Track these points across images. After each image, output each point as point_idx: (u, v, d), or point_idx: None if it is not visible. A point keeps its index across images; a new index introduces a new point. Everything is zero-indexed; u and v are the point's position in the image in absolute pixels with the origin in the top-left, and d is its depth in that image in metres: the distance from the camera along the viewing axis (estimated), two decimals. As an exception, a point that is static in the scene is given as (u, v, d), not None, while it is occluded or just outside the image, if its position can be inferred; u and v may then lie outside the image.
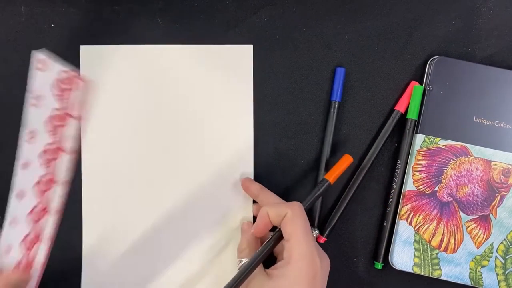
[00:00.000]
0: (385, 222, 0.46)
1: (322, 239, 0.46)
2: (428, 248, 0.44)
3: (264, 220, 0.41)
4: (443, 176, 0.45)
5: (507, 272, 0.44)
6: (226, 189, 0.47)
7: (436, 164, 0.45)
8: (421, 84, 0.46)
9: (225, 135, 0.47)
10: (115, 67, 0.47)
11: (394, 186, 0.46)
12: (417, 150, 0.45)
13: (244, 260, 0.42)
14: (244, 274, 0.39)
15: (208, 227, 0.47)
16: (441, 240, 0.44)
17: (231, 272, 0.42)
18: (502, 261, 0.44)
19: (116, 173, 0.47)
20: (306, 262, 0.38)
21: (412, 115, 0.46)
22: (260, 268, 0.40)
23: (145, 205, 0.47)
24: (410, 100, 0.46)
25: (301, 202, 0.40)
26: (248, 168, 0.46)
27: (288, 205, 0.40)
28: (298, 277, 0.38)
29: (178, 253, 0.47)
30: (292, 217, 0.39)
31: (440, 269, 0.44)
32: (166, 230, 0.47)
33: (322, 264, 0.39)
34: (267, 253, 0.40)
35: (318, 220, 0.46)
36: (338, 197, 0.47)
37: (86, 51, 0.47)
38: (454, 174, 0.45)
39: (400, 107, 0.46)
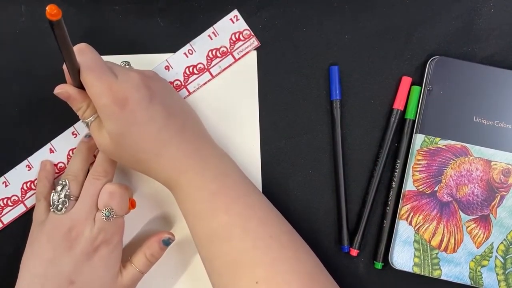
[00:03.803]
0: (385, 222, 0.46)
1: (355, 252, 0.46)
2: (428, 248, 0.45)
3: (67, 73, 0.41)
4: (443, 176, 0.45)
5: (507, 272, 0.44)
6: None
7: (436, 164, 0.45)
8: (420, 83, 0.46)
9: (232, 138, 0.47)
10: None
11: (393, 186, 0.46)
12: (417, 150, 0.45)
13: (89, 120, 0.41)
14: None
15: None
16: (441, 240, 0.45)
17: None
18: (502, 261, 0.44)
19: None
20: (104, 99, 0.38)
21: (410, 115, 0.46)
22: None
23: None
24: (408, 100, 0.46)
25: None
26: (256, 170, 0.47)
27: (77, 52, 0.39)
28: (109, 115, 0.39)
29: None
30: (80, 62, 0.39)
31: (440, 269, 0.44)
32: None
33: (131, 89, 0.39)
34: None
35: (347, 230, 0.46)
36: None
37: None
38: (454, 174, 0.45)
39: (398, 105, 0.46)
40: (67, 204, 0.42)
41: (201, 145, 0.42)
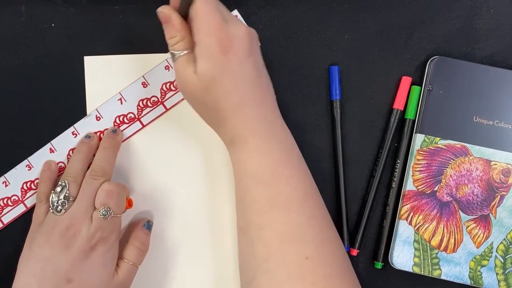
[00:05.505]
0: (385, 221, 0.46)
1: (355, 252, 0.46)
2: (428, 247, 0.45)
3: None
4: (443, 176, 0.45)
5: (506, 271, 0.44)
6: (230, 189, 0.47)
7: (436, 164, 0.45)
8: (420, 83, 0.46)
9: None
10: (120, 76, 0.47)
11: (393, 186, 0.46)
12: (417, 150, 0.45)
13: (179, 53, 0.40)
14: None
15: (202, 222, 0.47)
16: (441, 240, 0.45)
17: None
18: (502, 261, 0.44)
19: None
20: (213, 37, 0.38)
21: (410, 115, 0.46)
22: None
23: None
24: (408, 100, 0.46)
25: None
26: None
27: None
28: (211, 56, 0.38)
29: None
30: None
31: (440, 268, 0.44)
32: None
33: (237, 38, 0.39)
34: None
35: (347, 230, 0.46)
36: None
37: (90, 62, 0.47)
38: (454, 174, 0.45)
39: (398, 105, 0.46)
40: (66, 206, 0.42)
41: (275, 113, 0.42)
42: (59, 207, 0.42)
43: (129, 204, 0.44)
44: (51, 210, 0.42)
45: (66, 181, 0.43)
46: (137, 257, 0.44)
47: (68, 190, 0.42)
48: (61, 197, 0.42)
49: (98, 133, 0.46)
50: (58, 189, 0.42)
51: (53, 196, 0.42)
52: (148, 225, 0.45)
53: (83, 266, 0.41)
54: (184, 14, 0.40)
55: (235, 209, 0.42)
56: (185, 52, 0.40)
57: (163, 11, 0.40)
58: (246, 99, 0.39)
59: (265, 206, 0.39)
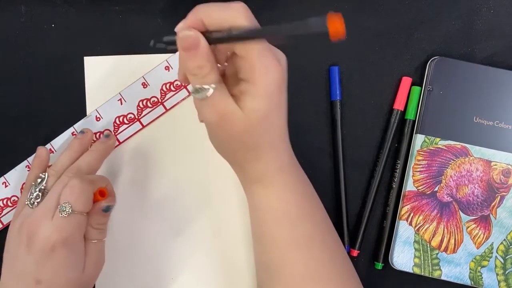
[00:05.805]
0: (385, 222, 0.46)
1: (355, 252, 0.46)
2: (428, 248, 0.45)
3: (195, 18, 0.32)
4: (443, 177, 0.45)
5: (507, 272, 0.44)
6: (231, 191, 0.47)
7: (436, 165, 0.45)
8: (420, 83, 0.46)
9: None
10: (120, 77, 0.47)
11: (394, 186, 0.46)
12: (417, 151, 0.45)
13: (212, 86, 0.33)
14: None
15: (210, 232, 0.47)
16: (441, 241, 0.45)
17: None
18: (502, 261, 0.44)
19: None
20: (272, 75, 0.33)
21: (410, 115, 0.46)
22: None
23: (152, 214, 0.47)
24: (408, 101, 0.46)
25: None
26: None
27: (233, 8, 0.32)
28: (268, 94, 0.33)
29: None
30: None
31: (440, 269, 0.44)
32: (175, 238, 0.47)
33: (285, 71, 0.35)
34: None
35: (347, 230, 0.46)
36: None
37: (90, 62, 0.47)
38: (454, 175, 0.45)
39: (398, 105, 0.46)
40: (39, 199, 0.40)
41: (289, 143, 0.40)
42: (33, 199, 0.40)
43: (101, 194, 0.41)
44: (26, 202, 0.40)
45: (47, 174, 0.41)
46: (98, 234, 0.41)
47: (45, 183, 0.40)
48: (37, 190, 0.40)
49: (97, 134, 0.46)
50: (38, 180, 0.41)
51: (32, 187, 0.40)
52: (107, 209, 0.41)
53: (47, 267, 0.38)
54: (218, 41, 0.33)
55: (252, 244, 0.40)
56: (215, 85, 0.33)
57: (191, 34, 0.32)
58: (282, 133, 0.37)
59: (287, 244, 0.37)
